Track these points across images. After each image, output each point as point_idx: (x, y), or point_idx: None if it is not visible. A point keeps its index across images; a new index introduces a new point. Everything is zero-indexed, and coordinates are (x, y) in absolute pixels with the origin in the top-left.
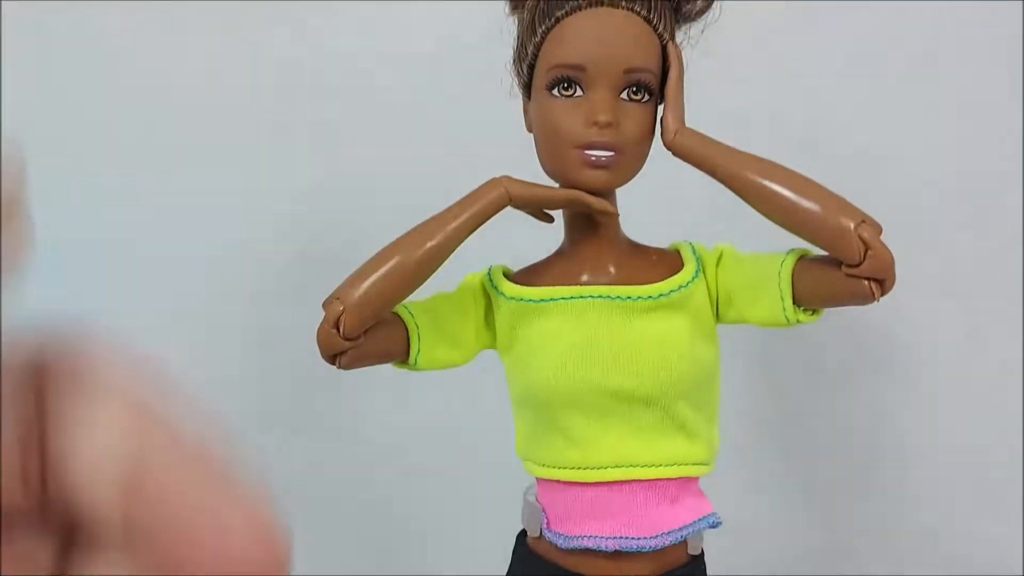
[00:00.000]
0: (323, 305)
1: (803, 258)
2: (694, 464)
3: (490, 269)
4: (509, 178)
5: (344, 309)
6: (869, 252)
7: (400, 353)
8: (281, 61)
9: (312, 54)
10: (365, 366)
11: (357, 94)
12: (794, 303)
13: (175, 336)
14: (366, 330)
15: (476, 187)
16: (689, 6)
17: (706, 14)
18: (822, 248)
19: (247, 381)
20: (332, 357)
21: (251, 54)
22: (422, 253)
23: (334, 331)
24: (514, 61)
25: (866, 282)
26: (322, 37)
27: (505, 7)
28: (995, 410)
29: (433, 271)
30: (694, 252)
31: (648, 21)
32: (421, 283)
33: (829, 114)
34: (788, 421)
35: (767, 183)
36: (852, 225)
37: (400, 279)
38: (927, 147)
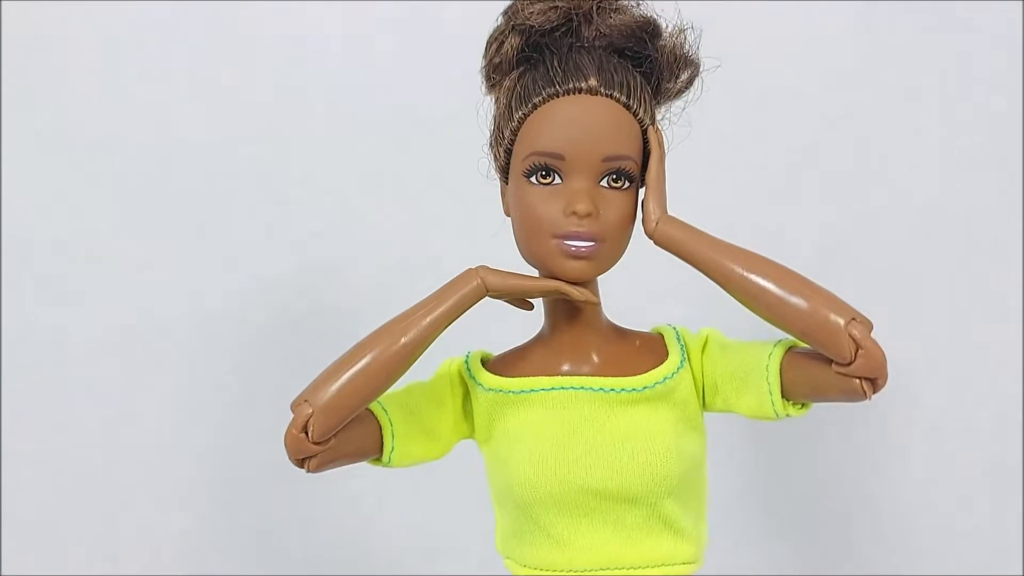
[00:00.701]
0: (291, 407)
1: (791, 350)
2: (682, 563)
3: (467, 356)
4: (486, 268)
5: (313, 412)
6: (860, 351)
7: (373, 451)
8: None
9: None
10: (336, 467)
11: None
12: (782, 396)
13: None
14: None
15: (451, 279)
16: (669, 86)
17: (685, 93)
18: (811, 346)
19: (224, 461)
20: (300, 461)
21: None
22: (395, 351)
23: (302, 435)
24: (491, 144)
25: (857, 381)
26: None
27: (481, 86)
28: (994, 407)
29: (407, 368)
30: (678, 339)
31: (628, 107)
32: (395, 381)
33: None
34: (774, 470)
35: (754, 278)
36: (842, 323)
37: (372, 379)
38: (926, 172)
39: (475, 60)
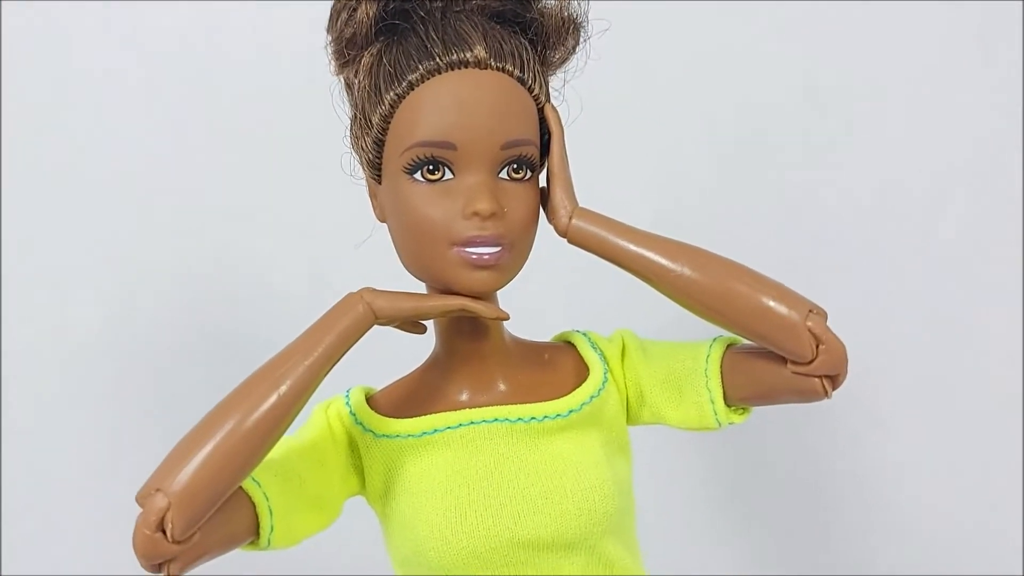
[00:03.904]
0: (137, 499)
1: (730, 349)
2: None
3: (349, 399)
4: (371, 291)
5: (170, 504)
6: (822, 347)
7: (247, 535)
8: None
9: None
10: (203, 564)
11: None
12: (724, 402)
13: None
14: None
15: (329, 308)
16: (553, 55)
17: (568, 62)
18: (763, 345)
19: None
20: (156, 566)
21: None
22: (268, 410)
23: (159, 535)
24: (353, 134)
25: (817, 380)
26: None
27: (330, 65)
28: (994, 406)
29: (286, 428)
30: (593, 347)
31: (522, 81)
32: (271, 447)
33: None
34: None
35: (692, 275)
36: (800, 319)
37: (242, 449)
38: (907, 164)
39: None
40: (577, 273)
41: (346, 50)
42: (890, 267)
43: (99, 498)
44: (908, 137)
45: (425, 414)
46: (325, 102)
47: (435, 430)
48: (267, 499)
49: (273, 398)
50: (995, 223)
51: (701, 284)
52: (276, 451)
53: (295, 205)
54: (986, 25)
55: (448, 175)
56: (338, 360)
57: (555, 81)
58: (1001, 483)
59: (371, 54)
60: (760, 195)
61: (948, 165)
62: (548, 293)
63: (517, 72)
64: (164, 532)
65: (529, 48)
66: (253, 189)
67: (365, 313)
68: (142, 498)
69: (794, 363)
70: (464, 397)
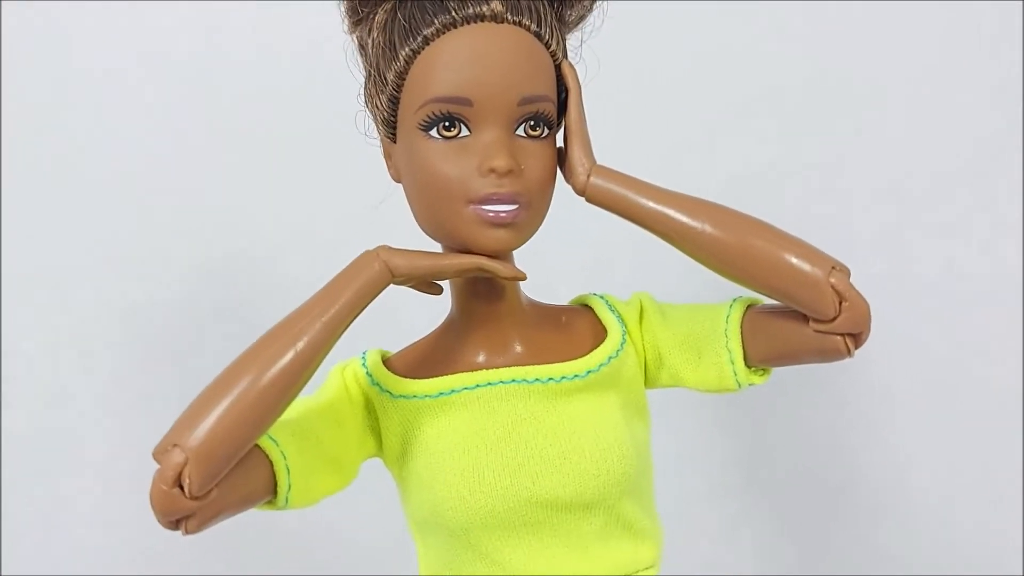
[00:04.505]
0: (154, 455)
1: (751, 309)
2: (645, 569)
3: (365, 361)
4: (387, 249)
5: (187, 459)
6: (844, 304)
7: (264, 493)
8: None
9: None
10: (220, 522)
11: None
12: (744, 363)
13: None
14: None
15: (346, 266)
16: (571, 11)
17: (585, 21)
18: (786, 303)
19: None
20: (174, 523)
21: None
22: (285, 366)
23: (176, 490)
24: (368, 93)
25: (840, 338)
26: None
27: (343, 23)
28: (994, 406)
29: (303, 385)
30: (611, 309)
31: (539, 37)
32: (288, 404)
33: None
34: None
35: (713, 232)
36: (823, 275)
37: (259, 405)
38: (918, 152)
39: None
40: (592, 248)
41: (360, 7)
42: (890, 266)
43: (99, 498)
44: (908, 137)
45: (442, 375)
46: (325, 102)
47: (452, 391)
48: (284, 458)
49: (290, 354)
50: (995, 223)
51: (723, 241)
52: (293, 411)
53: (295, 205)
54: (986, 25)
55: (464, 132)
56: (355, 318)
57: (572, 41)
58: (1001, 482)
59: (385, 10)
60: (760, 195)
61: (948, 165)
62: (562, 266)
63: (534, 27)
64: (182, 488)
65: (546, 3)
66: (253, 189)
67: (381, 271)
68: (159, 454)
69: (816, 321)
70: (481, 358)
